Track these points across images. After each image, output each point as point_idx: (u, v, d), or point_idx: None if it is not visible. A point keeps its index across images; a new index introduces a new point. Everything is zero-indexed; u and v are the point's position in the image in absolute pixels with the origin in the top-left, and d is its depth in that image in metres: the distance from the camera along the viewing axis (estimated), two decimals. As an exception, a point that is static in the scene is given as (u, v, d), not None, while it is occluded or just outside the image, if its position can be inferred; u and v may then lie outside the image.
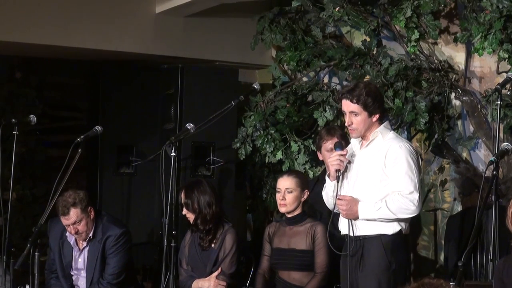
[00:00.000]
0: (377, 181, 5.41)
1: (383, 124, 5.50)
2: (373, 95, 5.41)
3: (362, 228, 5.43)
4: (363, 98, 5.38)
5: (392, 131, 5.57)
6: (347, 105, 5.44)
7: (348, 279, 5.43)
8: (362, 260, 5.42)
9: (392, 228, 5.42)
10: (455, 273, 4.96)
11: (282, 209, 6.20)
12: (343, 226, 5.49)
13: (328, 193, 5.56)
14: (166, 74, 7.59)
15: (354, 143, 5.60)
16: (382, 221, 5.39)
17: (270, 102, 7.35)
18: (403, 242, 5.52)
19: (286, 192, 6.15)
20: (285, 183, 6.17)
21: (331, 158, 5.47)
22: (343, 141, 5.68)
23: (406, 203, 5.34)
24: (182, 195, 6.34)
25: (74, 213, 6.24)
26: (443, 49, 7.04)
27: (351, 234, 5.41)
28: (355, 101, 5.40)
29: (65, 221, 6.26)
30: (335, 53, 7.25)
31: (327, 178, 5.57)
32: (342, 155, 5.43)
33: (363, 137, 5.51)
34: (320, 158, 6.56)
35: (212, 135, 7.26)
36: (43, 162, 8.20)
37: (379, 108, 5.45)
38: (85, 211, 6.28)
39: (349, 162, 5.49)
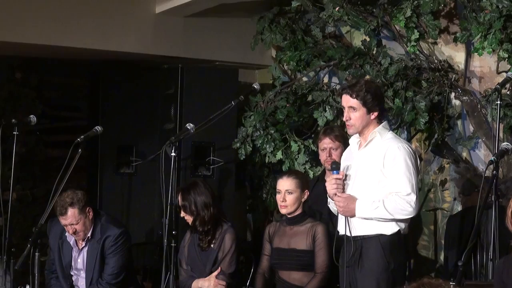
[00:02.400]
0: (375, 182, 5.41)
1: (382, 124, 5.50)
2: (373, 92, 5.43)
3: (361, 228, 5.43)
4: (363, 94, 5.40)
5: (391, 131, 5.57)
6: (347, 100, 5.46)
7: (345, 278, 5.43)
8: (360, 260, 5.43)
9: (391, 228, 5.42)
10: (455, 273, 4.96)
11: (282, 211, 6.20)
12: (342, 226, 5.49)
13: (333, 207, 5.59)
14: (166, 74, 7.60)
15: (352, 143, 5.60)
16: (379, 221, 5.39)
17: (270, 102, 7.35)
18: (402, 242, 5.52)
19: (287, 193, 6.15)
20: (285, 184, 6.16)
21: (329, 182, 5.50)
22: (339, 162, 5.66)
23: (403, 204, 5.34)
24: (179, 198, 6.35)
25: (71, 213, 6.24)
26: (443, 49, 7.03)
27: (348, 233, 5.42)
28: (354, 96, 5.42)
29: (63, 221, 6.26)
30: (335, 53, 7.25)
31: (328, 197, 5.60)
32: (338, 179, 5.45)
33: (361, 135, 5.51)
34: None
35: (212, 135, 7.26)
36: (43, 162, 8.20)
37: (378, 106, 5.45)
38: (83, 211, 6.27)
39: (346, 178, 5.51)
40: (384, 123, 5.53)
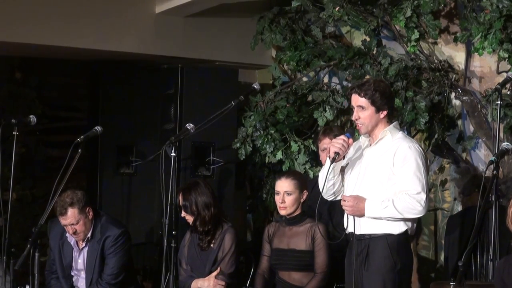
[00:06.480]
0: (384, 180, 5.40)
1: (393, 124, 5.50)
2: (381, 91, 5.43)
3: (368, 227, 5.42)
4: (371, 93, 5.41)
5: (401, 132, 5.56)
6: (356, 99, 5.47)
7: (353, 277, 5.43)
8: (367, 260, 5.42)
9: (399, 228, 5.41)
10: (455, 273, 4.96)
11: (282, 212, 6.20)
12: (349, 225, 5.48)
13: (323, 174, 5.56)
14: (166, 74, 7.59)
15: (363, 141, 5.59)
16: (388, 220, 5.38)
17: (270, 102, 7.35)
18: (408, 243, 5.53)
19: (285, 195, 6.14)
20: (283, 186, 6.16)
21: (336, 139, 5.48)
22: (355, 130, 5.64)
23: (413, 203, 5.34)
24: (180, 198, 6.34)
25: (71, 213, 6.23)
26: (443, 48, 7.04)
27: (356, 232, 5.41)
28: (363, 95, 5.42)
29: (63, 221, 6.26)
30: (335, 53, 7.25)
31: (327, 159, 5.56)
32: (346, 141, 5.43)
33: (371, 134, 5.50)
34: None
35: (212, 135, 7.26)
36: (43, 162, 8.20)
37: (386, 104, 5.45)
38: (83, 211, 6.27)
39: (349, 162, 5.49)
40: (395, 123, 5.53)
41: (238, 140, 7.29)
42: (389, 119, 5.49)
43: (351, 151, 5.57)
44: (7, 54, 7.75)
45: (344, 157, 5.51)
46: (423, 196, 5.34)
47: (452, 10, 6.93)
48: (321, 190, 5.55)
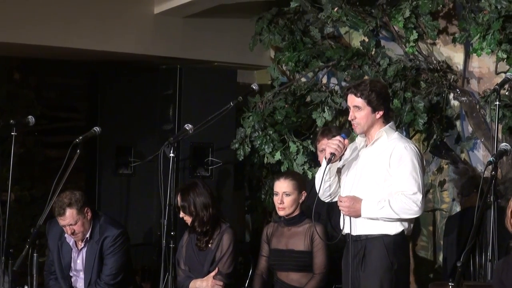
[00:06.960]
0: (380, 181, 5.40)
1: (389, 125, 5.50)
2: (377, 91, 5.43)
3: (365, 228, 5.42)
4: (367, 93, 5.41)
5: (397, 132, 5.56)
6: (352, 99, 5.47)
7: (349, 278, 5.43)
8: (364, 260, 5.42)
9: (395, 229, 5.41)
10: (453, 274, 4.97)
11: (280, 213, 6.20)
12: (345, 226, 5.48)
13: (319, 175, 5.56)
14: (164, 74, 7.58)
15: (359, 141, 5.59)
16: (385, 221, 5.39)
17: (269, 103, 7.36)
18: (405, 243, 5.53)
19: (284, 196, 6.14)
20: (282, 186, 6.16)
21: (332, 140, 5.48)
22: (351, 131, 5.64)
23: (409, 204, 5.34)
24: (179, 198, 6.34)
25: (69, 214, 6.23)
26: (442, 49, 7.04)
27: (352, 233, 5.41)
28: (359, 95, 5.43)
29: (61, 221, 6.26)
30: (334, 54, 7.25)
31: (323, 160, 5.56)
32: (341, 142, 5.43)
33: (367, 135, 5.50)
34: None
35: (210, 135, 7.26)
36: (41, 163, 8.19)
37: (383, 105, 5.45)
38: (81, 212, 6.27)
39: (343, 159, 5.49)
40: (391, 123, 5.53)
41: (237, 141, 7.29)
42: (385, 119, 5.48)
43: (347, 152, 5.57)
44: (6, 54, 7.74)
45: (340, 158, 5.51)
46: (419, 196, 5.34)
47: (450, 10, 6.94)
48: (317, 192, 5.55)
